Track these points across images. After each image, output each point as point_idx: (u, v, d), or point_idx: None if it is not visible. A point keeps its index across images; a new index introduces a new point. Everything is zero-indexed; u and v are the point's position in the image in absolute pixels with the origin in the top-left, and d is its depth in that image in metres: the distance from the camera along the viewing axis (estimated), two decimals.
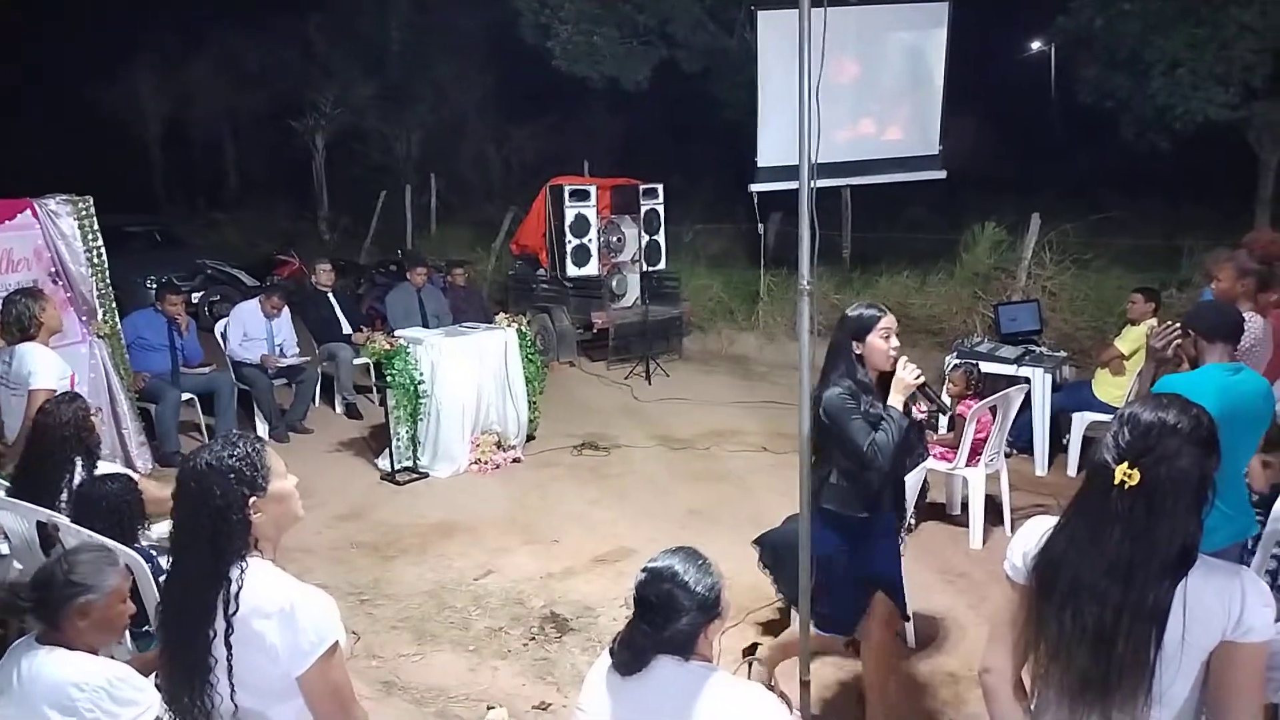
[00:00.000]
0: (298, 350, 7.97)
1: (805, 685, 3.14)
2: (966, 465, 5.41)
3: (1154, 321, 5.98)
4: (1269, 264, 4.23)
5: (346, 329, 8.35)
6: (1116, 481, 1.72)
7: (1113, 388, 6.24)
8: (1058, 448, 6.52)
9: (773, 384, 9.03)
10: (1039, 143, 19.08)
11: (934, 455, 5.43)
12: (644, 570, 2.13)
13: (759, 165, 9.60)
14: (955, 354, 6.63)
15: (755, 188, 9.73)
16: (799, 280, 2.93)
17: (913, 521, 5.38)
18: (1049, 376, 6.38)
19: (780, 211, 11.08)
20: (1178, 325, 3.54)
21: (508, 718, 3.75)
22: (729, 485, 6.40)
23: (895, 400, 3.16)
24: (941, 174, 9.90)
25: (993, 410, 5.44)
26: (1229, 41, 8.79)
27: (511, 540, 5.52)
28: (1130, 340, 6.22)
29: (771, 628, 4.43)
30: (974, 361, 6.09)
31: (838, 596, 3.35)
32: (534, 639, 4.40)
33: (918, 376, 3.17)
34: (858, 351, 3.22)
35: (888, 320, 3.24)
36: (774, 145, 9.48)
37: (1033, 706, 1.92)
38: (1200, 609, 1.70)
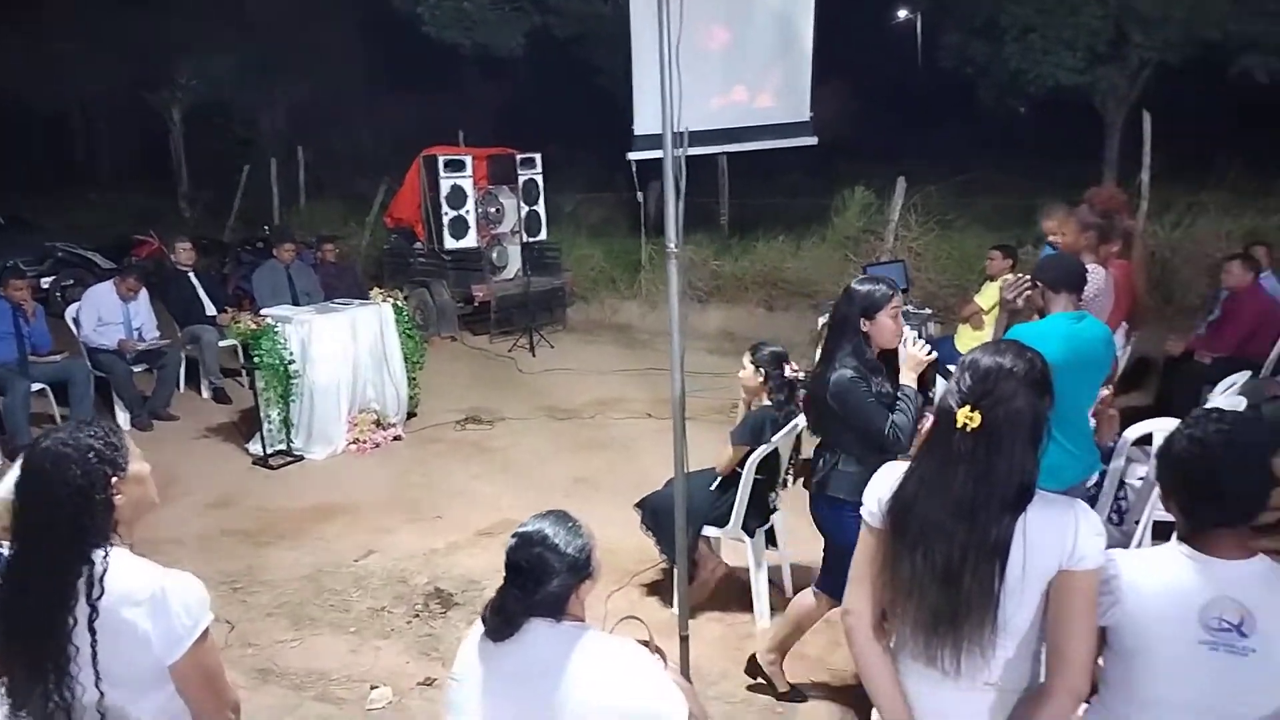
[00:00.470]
0: (158, 334, 7.58)
1: (684, 640, 3.20)
2: None
3: (1011, 277, 6.28)
4: (1108, 217, 4.47)
5: (211, 310, 7.99)
6: (959, 425, 1.80)
7: (973, 341, 6.51)
8: (926, 401, 6.79)
9: (657, 351, 9.10)
10: (907, 109, 19.73)
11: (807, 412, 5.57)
12: (514, 535, 2.12)
13: (635, 133, 9.57)
14: (827, 314, 6.81)
15: (633, 156, 9.68)
16: (666, 245, 2.95)
17: (791, 479, 5.53)
18: (914, 333, 6.61)
19: (659, 180, 11.11)
20: (1027, 278, 3.72)
21: (391, 696, 3.70)
22: (614, 452, 6.44)
23: (908, 378, 3.14)
24: (813, 140, 9.98)
25: None
26: (1076, 8, 9.25)
27: (393, 519, 5.42)
28: (989, 295, 6.52)
29: (656, 588, 4.50)
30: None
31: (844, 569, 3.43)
32: (418, 616, 4.34)
33: (929, 353, 3.16)
34: (865, 329, 3.16)
35: (898, 298, 3.21)
36: (650, 113, 9.43)
37: (892, 644, 2.01)
38: (1038, 541, 1.80)
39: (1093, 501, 4.40)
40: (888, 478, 1.97)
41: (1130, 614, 1.83)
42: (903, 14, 24.33)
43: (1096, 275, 4.22)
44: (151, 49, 17.77)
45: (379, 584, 4.65)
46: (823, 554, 3.51)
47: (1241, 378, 4.96)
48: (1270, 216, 8.09)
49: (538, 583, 2.01)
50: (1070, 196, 6.07)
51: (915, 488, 1.88)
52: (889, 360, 3.20)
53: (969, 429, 1.79)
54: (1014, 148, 14.72)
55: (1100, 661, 1.93)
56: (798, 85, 11.12)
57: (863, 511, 2.02)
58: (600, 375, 8.34)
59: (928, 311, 7.14)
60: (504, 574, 2.10)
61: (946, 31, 10.81)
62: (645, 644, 2.23)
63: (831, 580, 3.39)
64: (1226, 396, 4.57)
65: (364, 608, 4.43)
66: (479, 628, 2.11)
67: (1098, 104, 10.22)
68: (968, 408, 1.80)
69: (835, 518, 3.22)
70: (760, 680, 3.73)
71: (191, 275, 8.07)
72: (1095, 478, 4.06)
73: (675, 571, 3.81)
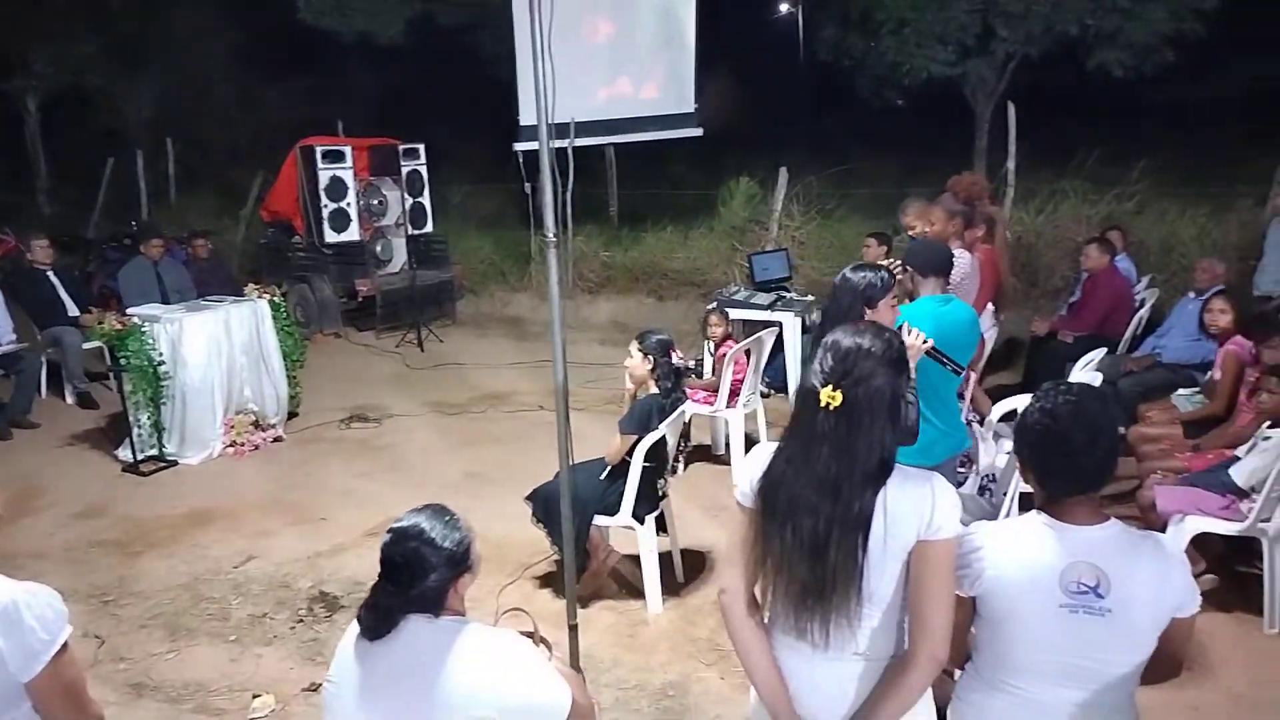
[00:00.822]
0: (15, 337, 7.13)
1: (573, 629, 3.21)
2: (726, 407, 5.67)
3: (883, 263, 6.49)
4: (970, 204, 4.67)
5: (73, 310, 7.55)
6: (822, 404, 1.85)
7: None
8: None
9: (549, 343, 9.01)
10: (790, 100, 20.16)
11: (695, 400, 5.65)
12: (389, 531, 2.08)
13: (521, 123, 9.49)
14: (714, 303, 6.91)
15: (519, 146, 9.59)
16: (545, 235, 2.94)
17: (680, 465, 5.60)
18: (799, 320, 6.79)
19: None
20: (898, 263, 3.85)
21: (274, 704, 3.59)
22: (506, 446, 6.38)
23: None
24: (698, 131, 10.11)
25: (747, 353, 5.73)
26: (946, 3, 9.60)
27: (275, 523, 5.25)
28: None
29: (549, 580, 4.49)
30: (726, 303, 6.39)
31: None
32: (301, 621, 4.22)
33: (925, 341, 3.18)
34: (868, 318, 3.14)
35: (897, 287, 3.22)
36: (534, 103, 9.39)
37: (766, 620, 2.06)
38: (898, 513, 1.86)
39: (964, 477, 4.60)
40: (758, 458, 2.01)
41: (996, 583, 1.91)
42: (784, 7, 24.82)
43: (962, 260, 4.41)
44: (3, 33, 16.62)
45: (260, 590, 4.50)
46: None
47: (1099, 354, 5.24)
48: (1125, 202, 8.58)
49: (413, 578, 1.98)
50: (943, 186, 6.34)
51: (783, 466, 1.93)
52: None
53: (831, 408, 1.84)
54: (891, 138, 15.20)
55: (973, 630, 2.01)
56: (682, 77, 11.18)
57: (735, 493, 2.06)
58: (492, 369, 8.25)
59: (811, 298, 7.31)
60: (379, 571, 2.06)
61: (825, 25, 11.07)
62: (530, 635, 2.22)
63: None
64: (1085, 372, 4.83)
65: (244, 615, 4.28)
66: (355, 628, 2.06)
67: (968, 96, 10.64)
68: (829, 387, 1.85)
69: None
70: None
71: (51, 274, 7.61)
72: (963, 455, 4.23)
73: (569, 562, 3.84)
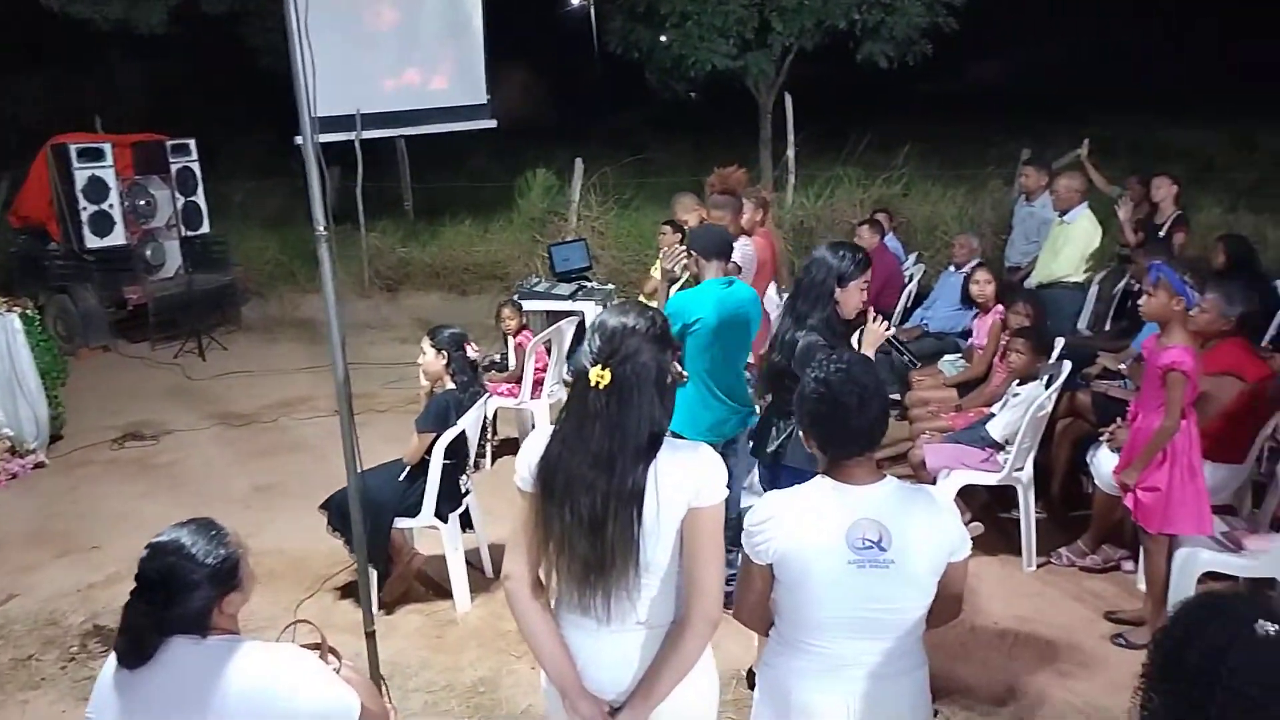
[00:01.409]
0: None
1: (371, 636, 3.11)
2: (531, 399, 5.66)
3: (667, 248, 6.67)
4: (732, 193, 4.88)
5: None
6: (592, 383, 1.89)
7: None
8: None
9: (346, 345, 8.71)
10: (587, 92, 20.34)
11: (499, 393, 5.61)
12: (147, 547, 1.94)
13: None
14: (516, 295, 6.88)
15: (301, 140, 9.17)
16: (315, 228, 2.82)
17: (486, 460, 5.55)
18: (599, 309, 6.87)
19: (338, 166, 10.63)
20: (683, 248, 3.97)
21: None
22: (300, 455, 6.09)
23: (869, 352, 3.20)
24: (492, 123, 10.11)
25: (549, 344, 5.74)
26: None
27: (39, 556, 4.79)
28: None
29: (350, 590, 4.33)
30: (518, 298, 6.36)
31: None
32: (73, 659, 3.88)
33: (886, 328, 3.30)
34: (836, 297, 3.20)
35: (868, 273, 3.26)
36: (319, 95, 8.98)
37: (554, 602, 2.08)
38: (669, 484, 1.93)
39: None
40: (536, 443, 2.02)
41: (790, 548, 2.01)
42: (576, 1, 24.97)
43: (745, 246, 4.60)
44: None
45: (23, 631, 4.10)
46: None
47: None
48: (893, 186, 9.24)
49: (171, 597, 1.85)
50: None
51: (559, 447, 1.95)
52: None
53: (601, 386, 1.88)
54: (685, 128, 15.66)
55: (774, 597, 2.10)
56: (472, 68, 11.03)
57: (516, 479, 2.06)
58: (283, 375, 7.85)
59: (611, 287, 7.41)
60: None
61: (613, 17, 11.22)
62: (316, 646, 2.14)
63: None
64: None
65: (5, 660, 3.88)
66: (113, 658, 1.91)
67: (751, 87, 11.07)
68: (598, 367, 1.89)
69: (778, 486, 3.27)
70: None
71: None
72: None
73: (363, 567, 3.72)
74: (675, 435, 3.82)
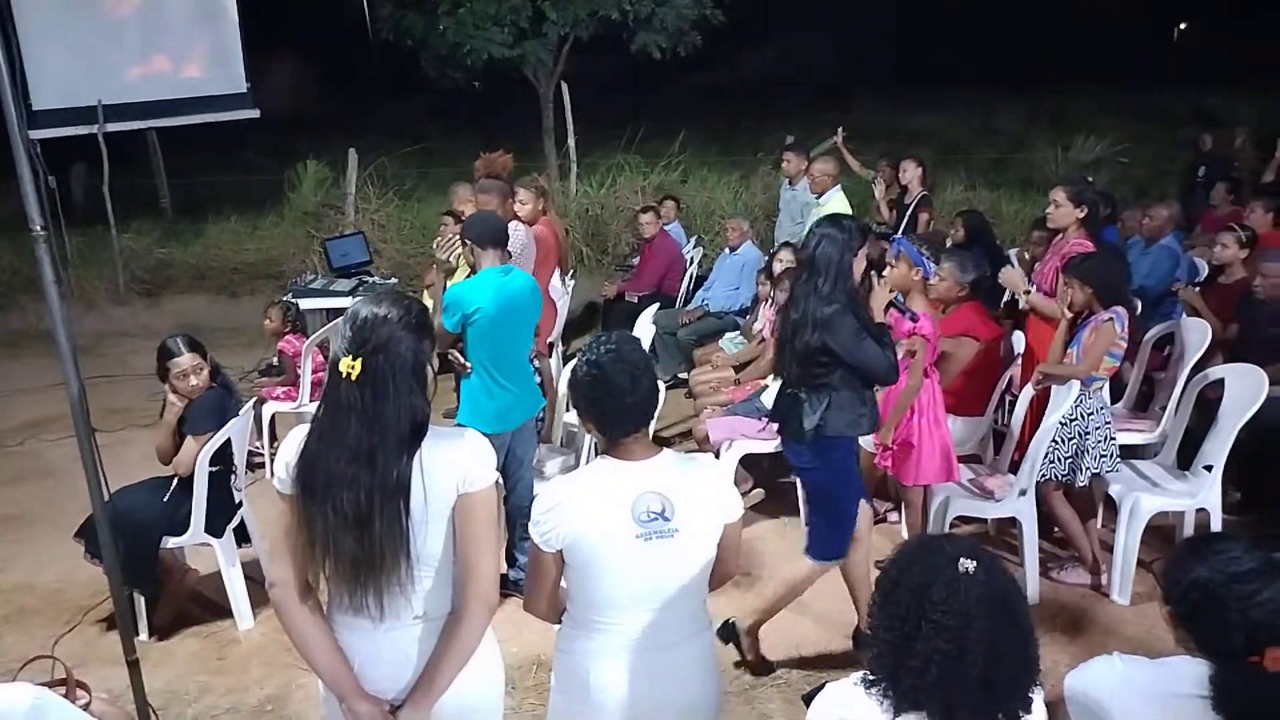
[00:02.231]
0: None
1: (133, 665, 2.88)
2: (310, 401, 5.42)
3: (441, 239, 6.57)
4: (498, 177, 4.88)
5: None
6: (344, 375, 1.83)
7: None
8: None
9: (99, 356, 7.99)
10: (363, 81, 19.57)
11: (274, 398, 5.34)
12: None
13: (34, 109, 8.18)
14: (290, 294, 6.54)
15: (35, 135, 8.29)
16: (31, 227, 2.57)
17: (267, 470, 5.28)
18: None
19: (84, 162, 9.70)
20: (457, 238, 3.92)
21: None
22: (52, 480, 5.54)
23: (879, 316, 3.28)
24: (254, 112, 9.49)
25: (324, 345, 5.51)
26: None
27: None
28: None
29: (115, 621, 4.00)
30: (291, 300, 6.06)
31: (848, 520, 3.38)
32: None
33: (892, 291, 3.41)
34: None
35: (867, 239, 3.33)
36: (51, 86, 8.15)
37: (325, 605, 2.01)
38: (436, 473, 1.91)
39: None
40: (293, 442, 1.94)
41: (577, 531, 2.03)
42: None
43: (518, 232, 4.59)
44: None
45: None
46: (809, 508, 3.55)
47: (653, 309, 5.76)
48: (673, 173, 9.52)
49: None
50: (519, 163, 6.59)
51: (316, 444, 1.89)
52: None
53: (353, 377, 1.83)
54: (468, 118, 15.43)
55: (564, 582, 2.12)
56: (228, 55, 10.29)
57: (274, 481, 1.99)
58: (29, 394, 7.08)
59: (394, 280, 7.21)
60: None
61: (379, 4, 10.86)
62: (62, 683, 1.96)
63: (812, 524, 3.45)
64: (643, 324, 5.29)
65: None
66: None
67: (530, 76, 11.04)
68: (349, 357, 1.84)
69: (825, 459, 3.28)
70: (734, 645, 3.59)
71: None
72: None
73: (131, 595, 3.45)
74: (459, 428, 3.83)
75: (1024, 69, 18.71)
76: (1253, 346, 4.67)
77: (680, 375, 6.39)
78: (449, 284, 4.02)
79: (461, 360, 3.84)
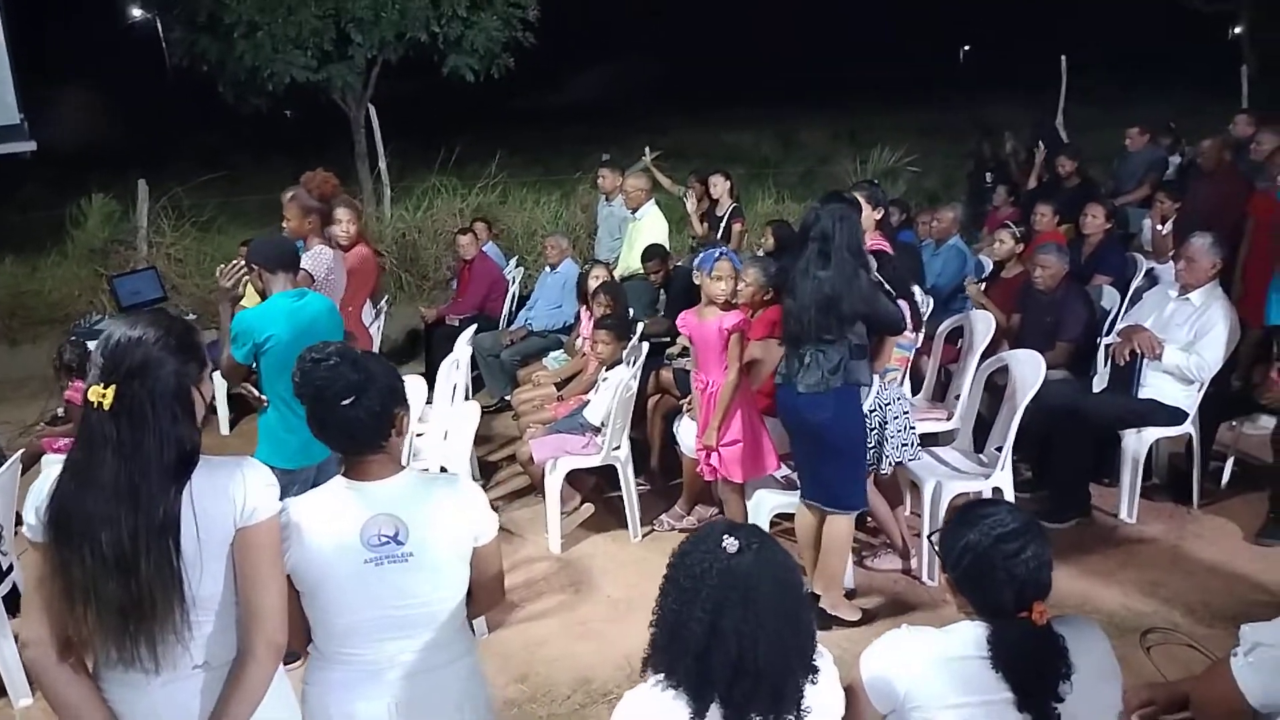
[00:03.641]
0: None
1: None
2: None
3: (224, 265, 6.21)
4: (326, 200, 4.70)
5: None
6: (95, 405, 1.68)
7: None
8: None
9: None
10: (161, 110, 18.46)
11: (56, 449, 4.87)
12: None
13: None
14: (74, 337, 6.01)
15: None
16: None
17: None
18: None
19: None
20: (241, 263, 3.70)
21: None
22: None
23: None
24: (29, 145, 8.76)
25: None
26: (294, 7, 9.46)
27: None
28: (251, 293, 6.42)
29: None
30: (77, 343, 5.56)
31: (864, 466, 3.78)
32: None
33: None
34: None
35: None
36: None
37: (93, 665, 1.82)
38: (209, 507, 1.76)
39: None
40: (43, 485, 1.75)
41: (306, 554, 1.91)
42: (138, 12, 22.63)
43: (324, 256, 4.40)
44: None
45: None
46: (806, 465, 3.80)
47: (469, 331, 5.65)
48: (491, 194, 9.43)
49: None
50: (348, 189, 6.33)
51: (69, 483, 1.71)
52: None
53: (105, 407, 1.68)
54: (278, 144, 14.81)
55: (305, 611, 1.98)
56: None
57: (25, 530, 1.78)
58: None
59: (193, 317, 6.77)
60: None
61: (171, 28, 10.24)
62: None
63: (835, 483, 3.66)
64: (460, 348, 5.17)
65: None
66: None
67: (338, 100, 10.69)
68: (100, 385, 1.68)
69: (846, 408, 3.57)
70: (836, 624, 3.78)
71: None
72: None
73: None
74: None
75: (827, 89, 19.85)
76: (1032, 334, 5.05)
77: (507, 397, 6.30)
78: (236, 311, 3.78)
79: (256, 394, 3.63)
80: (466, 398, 6.35)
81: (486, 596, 2.13)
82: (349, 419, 1.92)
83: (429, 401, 4.84)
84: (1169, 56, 18.75)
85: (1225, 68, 12.64)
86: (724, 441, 4.08)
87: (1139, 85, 15.74)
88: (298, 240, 4.35)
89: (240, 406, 6.20)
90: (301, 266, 4.01)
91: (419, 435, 4.65)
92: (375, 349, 5.96)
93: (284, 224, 4.55)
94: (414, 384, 4.18)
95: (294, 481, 3.63)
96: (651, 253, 6.32)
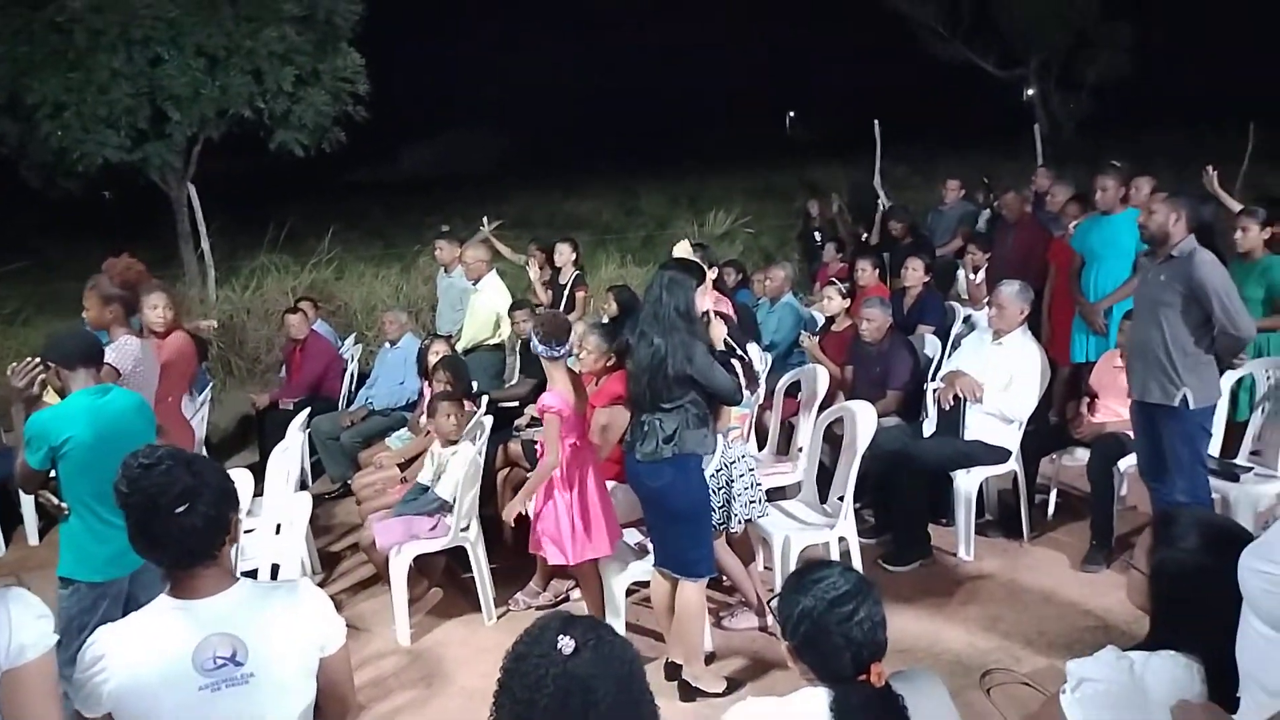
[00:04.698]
0: None
1: None
2: None
3: (15, 364, 5.78)
4: (130, 288, 4.40)
5: None
6: None
7: None
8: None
9: None
10: None
11: None
12: None
13: None
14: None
15: None
16: None
17: None
18: None
19: None
20: (35, 361, 3.40)
21: None
22: None
23: (719, 346, 3.62)
24: None
25: None
26: (105, 86, 9.00)
27: None
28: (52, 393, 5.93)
29: None
30: None
31: (709, 532, 3.74)
32: None
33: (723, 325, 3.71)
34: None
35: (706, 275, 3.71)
36: None
37: None
38: None
39: None
40: None
41: (127, 687, 1.72)
42: None
43: (130, 347, 4.10)
44: None
45: None
46: (653, 532, 3.83)
47: (303, 415, 5.36)
48: (325, 271, 9.14)
49: None
50: (157, 272, 5.92)
51: None
52: None
53: None
54: (94, 228, 13.94)
55: None
56: None
57: None
58: None
59: None
60: None
61: None
62: None
63: (682, 550, 3.64)
64: (293, 433, 4.91)
65: None
66: None
67: (158, 180, 10.18)
68: None
69: (684, 476, 3.53)
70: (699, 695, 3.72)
71: None
72: None
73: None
74: (65, 580, 3.26)
75: (665, 155, 20.50)
76: (864, 384, 5.25)
77: (348, 481, 6.02)
78: (32, 411, 3.45)
79: (56, 502, 3.31)
80: (304, 485, 6.04)
81: (336, 708, 1.97)
82: (184, 528, 1.76)
83: (258, 494, 4.54)
84: (969, 118, 20.39)
85: (1020, 127, 13.81)
86: (542, 526, 3.98)
87: (944, 145, 16.96)
88: (100, 332, 4.03)
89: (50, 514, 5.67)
90: (106, 360, 3.72)
91: (248, 531, 4.35)
92: (201, 441, 5.61)
93: (84, 314, 4.23)
94: (238, 478, 3.91)
95: (104, 596, 3.35)
96: (520, 303, 6.34)
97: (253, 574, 4.16)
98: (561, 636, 1.51)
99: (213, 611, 1.81)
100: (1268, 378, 4.70)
